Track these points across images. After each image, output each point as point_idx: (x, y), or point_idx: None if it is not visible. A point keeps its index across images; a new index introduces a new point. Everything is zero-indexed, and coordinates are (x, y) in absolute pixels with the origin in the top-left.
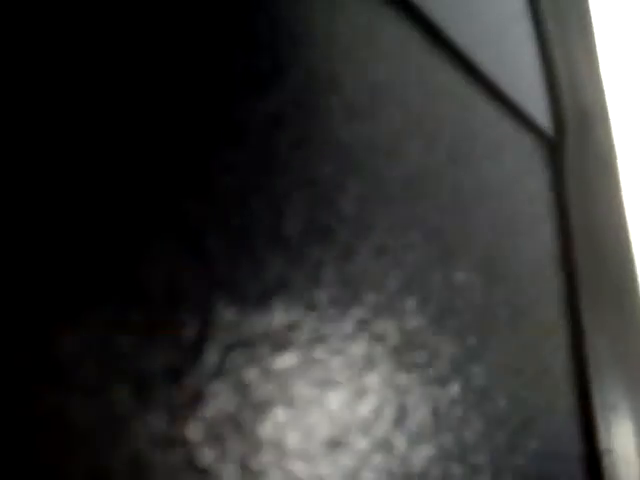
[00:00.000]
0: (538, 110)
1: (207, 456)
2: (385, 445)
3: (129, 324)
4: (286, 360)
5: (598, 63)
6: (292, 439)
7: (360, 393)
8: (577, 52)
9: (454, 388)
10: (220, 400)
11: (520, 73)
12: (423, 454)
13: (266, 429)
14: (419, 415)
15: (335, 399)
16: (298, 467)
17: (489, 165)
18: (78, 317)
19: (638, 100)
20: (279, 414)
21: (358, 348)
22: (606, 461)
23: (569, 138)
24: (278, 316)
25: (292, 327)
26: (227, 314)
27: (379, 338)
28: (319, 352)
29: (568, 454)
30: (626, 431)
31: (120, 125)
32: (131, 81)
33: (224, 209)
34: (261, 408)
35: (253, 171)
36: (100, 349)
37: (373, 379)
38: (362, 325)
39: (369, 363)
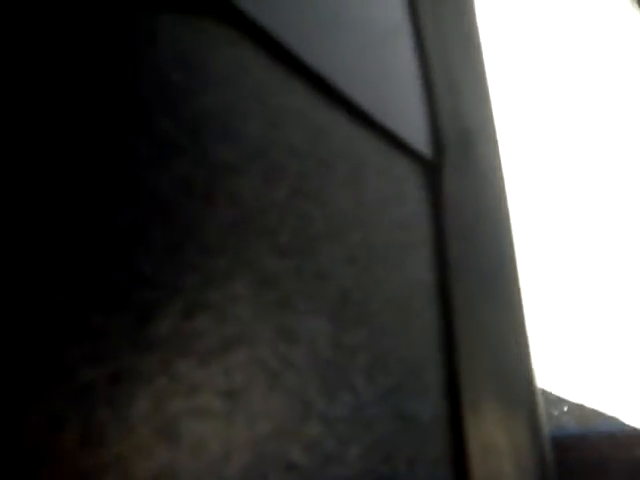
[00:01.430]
0: (415, 132)
1: None
2: None
3: None
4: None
5: (484, 82)
6: None
7: None
8: (461, 72)
9: (290, 452)
10: None
11: (395, 94)
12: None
13: None
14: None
15: None
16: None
17: (347, 195)
18: None
19: (526, 118)
20: None
21: (165, 418)
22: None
23: (449, 160)
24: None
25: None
26: None
27: (186, 409)
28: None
29: None
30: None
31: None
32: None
33: None
34: None
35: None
36: None
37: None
38: (157, 403)
39: (188, 428)
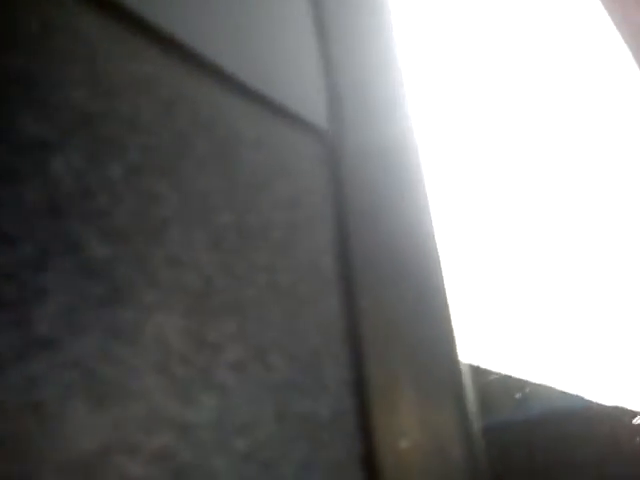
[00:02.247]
0: (310, 104)
1: None
2: None
3: None
4: None
5: (392, 58)
6: None
7: None
8: (365, 48)
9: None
10: None
11: (286, 69)
12: None
13: None
14: None
15: None
16: None
17: (212, 171)
18: None
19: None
20: None
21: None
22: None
23: (349, 132)
24: None
25: None
26: None
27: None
28: None
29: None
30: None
31: None
32: None
33: None
34: None
35: None
36: None
37: None
38: None
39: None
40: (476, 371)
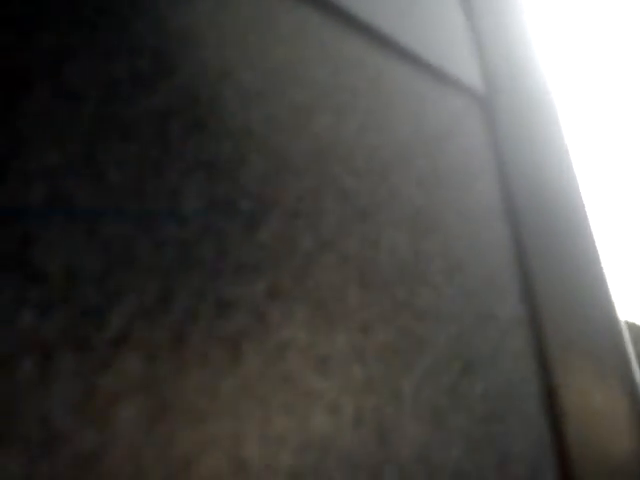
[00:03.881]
0: (467, 70)
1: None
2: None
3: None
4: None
5: (526, 26)
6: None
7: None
8: (507, 15)
9: (383, 337)
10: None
11: (445, 36)
12: (358, 404)
13: None
14: (350, 365)
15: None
16: None
17: (411, 128)
18: None
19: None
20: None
21: (271, 309)
22: (561, 396)
23: (501, 95)
24: (182, 287)
25: (196, 295)
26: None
27: (295, 297)
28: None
29: (520, 393)
30: (582, 367)
31: None
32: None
33: (120, 197)
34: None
35: (146, 161)
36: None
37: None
38: (276, 289)
39: (282, 328)
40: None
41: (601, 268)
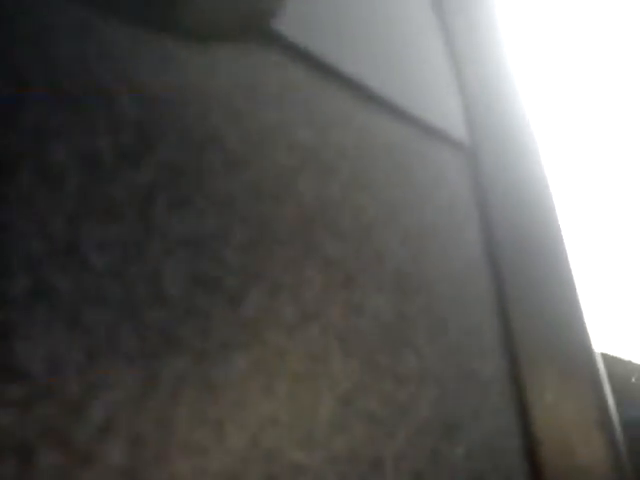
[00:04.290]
0: (452, 121)
1: None
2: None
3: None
4: (177, 414)
5: (513, 72)
6: None
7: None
8: (491, 64)
9: (366, 406)
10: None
11: (430, 87)
12: (341, 476)
13: None
14: (333, 438)
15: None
16: None
17: (396, 184)
18: None
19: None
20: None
21: (255, 386)
22: (544, 451)
23: (486, 143)
24: (166, 371)
25: (181, 379)
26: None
27: (278, 373)
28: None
29: (503, 449)
30: (563, 422)
31: None
32: None
33: (100, 283)
34: None
35: (128, 243)
36: None
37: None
38: (257, 366)
39: (266, 403)
40: (613, 361)
41: (580, 307)
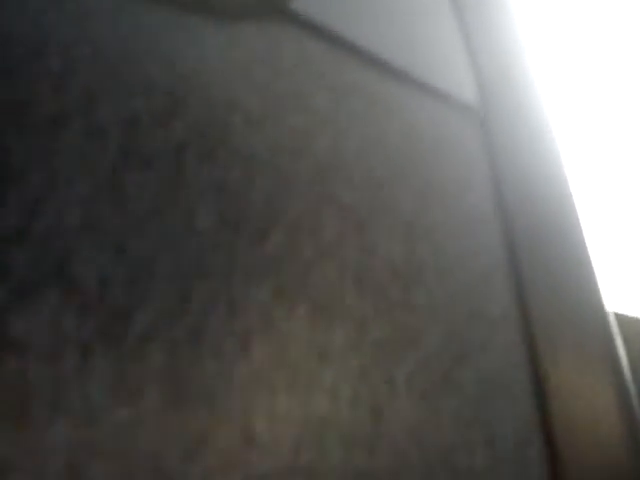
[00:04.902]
0: (462, 87)
1: None
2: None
3: None
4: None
5: (520, 40)
6: None
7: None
8: (499, 30)
9: (379, 332)
10: None
11: (440, 55)
12: (355, 389)
13: None
14: (347, 356)
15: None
16: None
17: (406, 146)
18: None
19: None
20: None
21: (276, 310)
22: (548, 382)
23: (496, 108)
24: (196, 305)
25: (210, 299)
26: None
27: (297, 301)
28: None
29: (510, 379)
30: (569, 359)
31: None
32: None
33: (140, 217)
34: None
35: (164, 188)
36: None
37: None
38: (280, 292)
39: (286, 324)
40: (627, 320)
41: (591, 265)
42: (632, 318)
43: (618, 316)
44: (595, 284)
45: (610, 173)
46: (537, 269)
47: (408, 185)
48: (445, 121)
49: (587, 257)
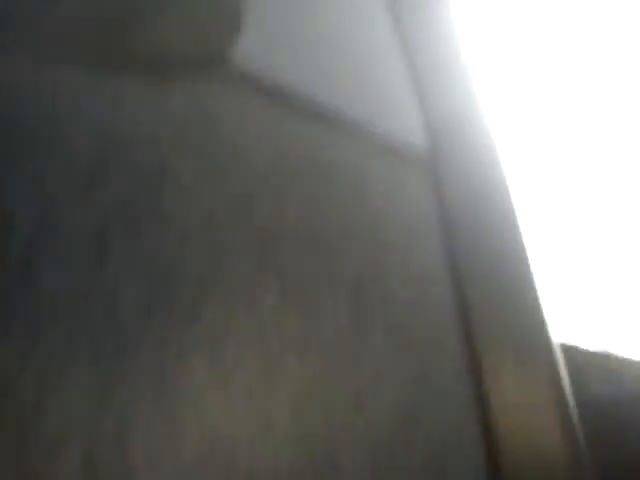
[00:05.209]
0: (409, 132)
1: None
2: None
3: None
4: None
5: (468, 77)
6: None
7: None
8: (446, 71)
9: (324, 395)
10: None
11: (387, 100)
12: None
13: None
14: (290, 425)
15: None
16: None
17: (352, 201)
18: None
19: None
20: None
21: (215, 395)
22: (501, 435)
23: (445, 153)
24: (117, 386)
25: (135, 394)
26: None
27: (239, 385)
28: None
29: (462, 440)
30: (520, 409)
31: None
32: None
33: (55, 311)
34: None
35: (83, 273)
36: None
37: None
38: (220, 374)
39: (225, 420)
40: (569, 350)
41: (538, 300)
42: (575, 347)
43: (563, 346)
44: (542, 318)
45: (562, 204)
46: (488, 320)
47: (355, 246)
48: (392, 171)
49: (537, 295)
